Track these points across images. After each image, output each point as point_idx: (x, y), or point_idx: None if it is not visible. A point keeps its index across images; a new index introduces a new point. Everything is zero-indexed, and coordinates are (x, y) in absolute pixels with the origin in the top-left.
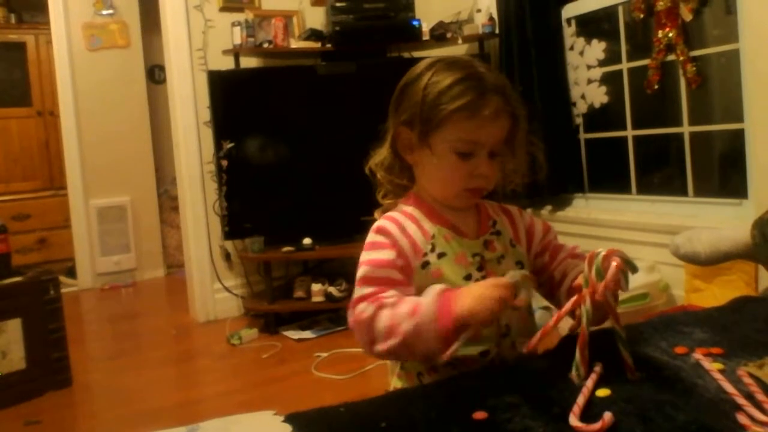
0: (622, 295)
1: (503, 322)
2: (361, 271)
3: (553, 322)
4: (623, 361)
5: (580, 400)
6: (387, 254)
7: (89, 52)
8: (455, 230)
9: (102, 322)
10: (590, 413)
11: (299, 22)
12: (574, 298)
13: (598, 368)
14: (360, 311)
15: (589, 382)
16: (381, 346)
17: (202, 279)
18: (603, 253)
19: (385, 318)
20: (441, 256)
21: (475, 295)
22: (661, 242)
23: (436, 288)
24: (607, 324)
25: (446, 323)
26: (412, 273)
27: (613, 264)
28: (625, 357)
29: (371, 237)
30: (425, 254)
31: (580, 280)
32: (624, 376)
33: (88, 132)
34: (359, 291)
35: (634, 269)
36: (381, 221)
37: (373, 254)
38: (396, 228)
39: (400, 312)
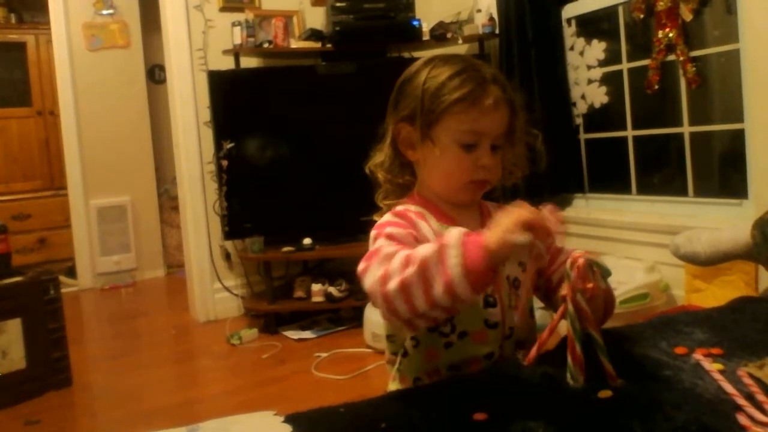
0: (623, 295)
1: (507, 324)
2: (384, 229)
3: (547, 333)
4: (603, 368)
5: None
6: (407, 231)
7: (89, 52)
8: None
9: (102, 322)
10: (593, 414)
11: (299, 22)
12: (562, 307)
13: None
14: (380, 247)
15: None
16: (395, 280)
17: (202, 279)
18: (572, 257)
19: (404, 253)
20: None
21: (498, 225)
22: (661, 242)
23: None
24: (609, 324)
25: (474, 253)
26: None
27: (576, 265)
28: (603, 363)
29: (389, 217)
30: None
31: (564, 290)
32: (625, 376)
33: (88, 132)
34: (381, 242)
35: (605, 270)
36: (396, 209)
37: (392, 227)
38: (413, 216)
39: (423, 246)
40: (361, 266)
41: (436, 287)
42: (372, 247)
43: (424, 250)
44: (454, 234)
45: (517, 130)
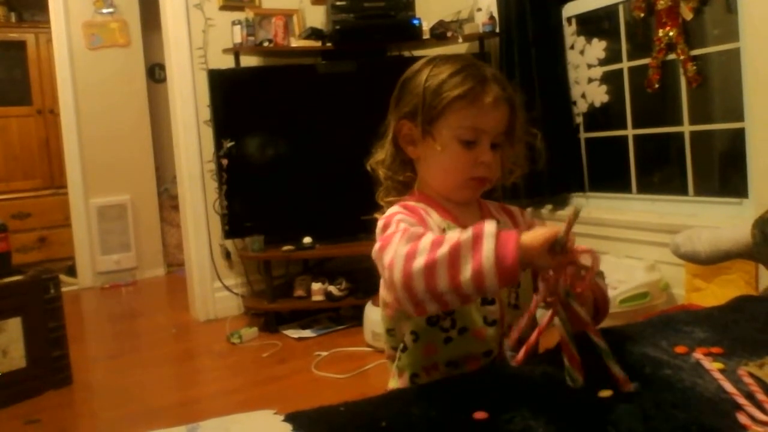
0: (623, 294)
1: (507, 322)
2: (399, 217)
3: (535, 335)
4: (613, 375)
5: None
6: (419, 226)
7: (89, 50)
8: (462, 227)
9: (102, 321)
10: (593, 414)
11: (299, 20)
12: (551, 309)
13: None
14: (405, 228)
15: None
16: (422, 258)
17: (202, 278)
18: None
19: (433, 234)
20: None
21: (535, 231)
22: (662, 241)
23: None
24: (609, 324)
25: (509, 247)
26: None
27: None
28: (612, 369)
29: (397, 209)
30: None
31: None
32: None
33: (88, 131)
34: (401, 226)
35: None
36: (404, 202)
37: (404, 216)
38: (421, 210)
39: (454, 232)
40: (377, 245)
41: (464, 272)
42: (388, 231)
43: (458, 234)
44: (491, 225)
45: (516, 128)
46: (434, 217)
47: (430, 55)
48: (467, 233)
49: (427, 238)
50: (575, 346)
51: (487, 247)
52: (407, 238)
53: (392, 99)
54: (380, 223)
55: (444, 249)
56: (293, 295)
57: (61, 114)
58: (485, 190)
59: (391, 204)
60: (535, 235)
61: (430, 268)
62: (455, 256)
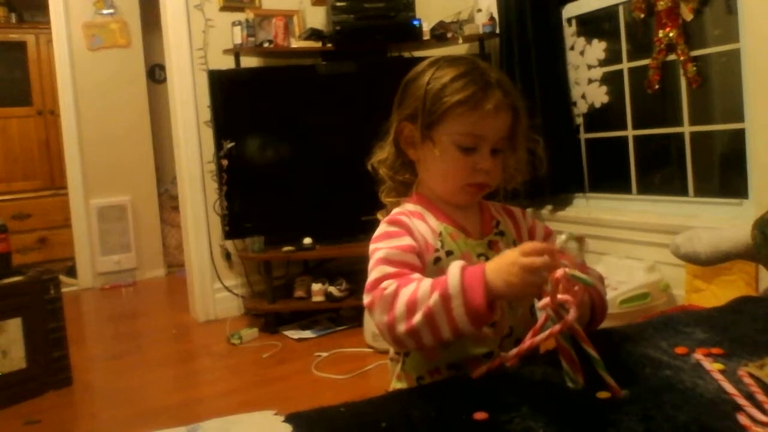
0: (623, 295)
1: (507, 323)
2: (380, 254)
3: (528, 338)
4: (605, 382)
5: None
6: (405, 240)
7: (90, 51)
8: (461, 229)
9: (102, 321)
10: (593, 414)
11: (300, 21)
12: (544, 315)
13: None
14: (383, 287)
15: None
16: (402, 326)
17: (202, 278)
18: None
19: (406, 293)
20: (449, 254)
21: (508, 266)
22: (662, 242)
23: (459, 262)
24: (609, 324)
25: (477, 295)
26: (425, 265)
27: (556, 275)
28: (605, 378)
29: (384, 228)
30: (437, 250)
31: (541, 303)
32: (623, 377)
33: (88, 131)
34: (380, 270)
35: (585, 282)
36: (390, 216)
37: (390, 242)
38: (408, 220)
39: (424, 286)
40: (366, 299)
41: (443, 332)
42: (371, 272)
43: (426, 294)
44: (454, 279)
45: (518, 134)
46: (431, 221)
47: (432, 56)
48: (435, 296)
49: (401, 303)
50: (572, 347)
51: (457, 308)
52: (383, 303)
53: (395, 99)
54: (370, 248)
55: (419, 316)
56: (293, 296)
57: (61, 115)
58: (485, 194)
59: (391, 204)
60: (506, 272)
61: (413, 335)
62: (431, 322)
